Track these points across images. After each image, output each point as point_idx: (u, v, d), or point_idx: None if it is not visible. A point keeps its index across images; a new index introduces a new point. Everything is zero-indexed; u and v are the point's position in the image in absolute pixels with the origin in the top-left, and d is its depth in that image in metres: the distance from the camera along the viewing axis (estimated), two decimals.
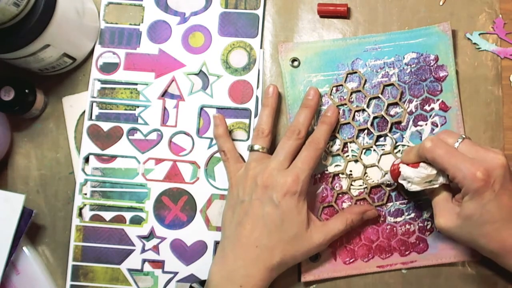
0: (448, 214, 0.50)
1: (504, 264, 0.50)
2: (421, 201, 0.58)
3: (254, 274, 0.52)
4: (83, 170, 0.60)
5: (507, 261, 0.49)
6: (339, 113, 0.58)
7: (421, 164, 0.51)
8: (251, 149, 0.57)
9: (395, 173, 0.53)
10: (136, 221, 0.60)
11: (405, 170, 0.52)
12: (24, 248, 0.58)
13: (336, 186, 0.59)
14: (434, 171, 0.50)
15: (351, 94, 0.59)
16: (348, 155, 0.59)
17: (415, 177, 0.51)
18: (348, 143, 0.59)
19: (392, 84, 0.59)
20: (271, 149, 0.57)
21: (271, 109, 0.58)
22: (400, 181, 0.53)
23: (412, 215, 0.58)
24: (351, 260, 0.58)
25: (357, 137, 0.58)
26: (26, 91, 0.58)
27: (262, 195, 0.53)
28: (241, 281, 0.52)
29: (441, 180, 0.51)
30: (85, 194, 0.60)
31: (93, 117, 0.61)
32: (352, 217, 0.55)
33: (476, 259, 0.57)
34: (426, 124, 0.58)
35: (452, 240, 0.57)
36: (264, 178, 0.53)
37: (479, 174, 0.46)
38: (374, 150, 0.58)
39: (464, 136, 0.50)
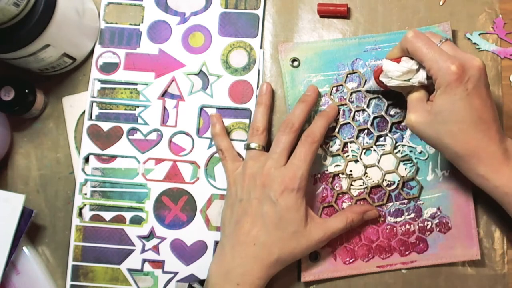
0: (419, 111, 0.50)
1: (467, 170, 0.49)
2: (421, 201, 0.58)
3: (252, 272, 0.52)
4: (83, 170, 0.60)
5: (470, 167, 0.48)
6: (338, 111, 0.58)
7: (403, 58, 0.51)
8: (247, 147, 0.57)
9: (377, 72, 0.53)
10: (136, 221, 0.60)
11: (386, 64, 0.52)
12: (24, 248, 0.58)
13: (336, 186, 0.59)
14: (415, 66, 0.50)
15: (351, 94, 0.59)
16: (348, 155, 0.59)
17: (396, 71, 0.51)
18: (348, 143, 0.59)
19: None
20: (267, 146, 0.57)
21: (265, 106, 0.58)
22: (381, 78, 0.53)
23: (412, 215, 0.58)
24: (351, 260, 0.58)
25: (357, 137, 0.58)
26: (26, 91, 0.58)
27: (260, 194, 0.53)
28: (238, 279, 0.52)
29: (419, 78, 0.51)
30: (85, 194, 0.60)
31: (93, 117, 0.61)
32: (353, 217, 0.55)
33: (476, 259, 0.57)
34: None
35: (452, 240, 0.57)
36: (262, 176, 0.53)
37: (453, 67, 0.46)
38: (374, 150, 0.58)
39: (447, 38, 0.50)
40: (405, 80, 0.51)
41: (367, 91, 0.58)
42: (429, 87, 0.51)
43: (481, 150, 0.48)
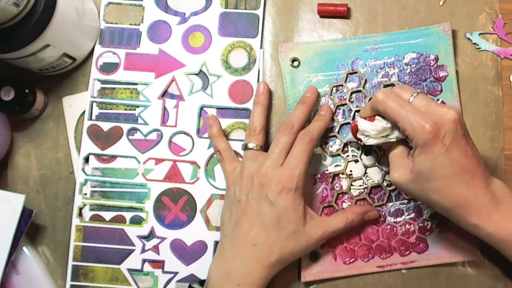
0: (402, 169, 0.50)
1: (458, 221, 0.49)
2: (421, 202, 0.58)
3: (252, 273, 0.52)
4: (83, 170, 0.60)
5: (461, 218, 0.48)
6: (333, 113, 0.58)
7: (377, 117, 0.51)
8: (245, 147, 0.57)
9: (354, 129, 0.53)
10: (136, 221, 0.60)
11: (361, 123, 0.52)
12: (24, 248, 0.58)
13: (336, 186, 0.59)
14: (389, 124, 0.50)
15: (351, 94, 0.59)
16: (348, 155, 0.59)
17: (371, 130, 0.51)
18: (349, 143, 0.59)
19: (392, 84, 0.59)
20: (265, 146, 0.57)
21: (262, 106, 0.58)
22: (358, 135, 0.53)
23: (412, 215, 0.58)
24: (351, 260, 0.58)
25: None
26: (26, 91, 0.58)
27: (258, 194, 0.53)
28: (239, 280, 0.52)
29: (396, 134, 0.51)
30: (85, 194, 0.60)
31: (93, 117, 0.61)
32: (353, 217, 0.55)
33: (476, 259, 0.57)
34: None
35: (452, 240, 0.57)
36: (260, 176, 0.53)
37: (428, 126, 0.46)
38: (374, 150, 0.58)
39: (419, 91, 0.50)
40: (382, 137, 0.51)
41: (346, 144, 0.58)
42: (408, 140, 0.51)
43: (469, 201, 0.47)
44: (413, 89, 0.50)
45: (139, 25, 0.62)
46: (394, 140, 0.51)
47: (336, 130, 0.59)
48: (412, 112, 0.47)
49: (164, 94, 0.61)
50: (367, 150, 0.58)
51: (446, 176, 0.47)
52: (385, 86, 0.59)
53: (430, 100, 0.49)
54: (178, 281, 0.59)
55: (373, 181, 0.58)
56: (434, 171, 0.47)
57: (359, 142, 0.53)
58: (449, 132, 0.46)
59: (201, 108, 0.61)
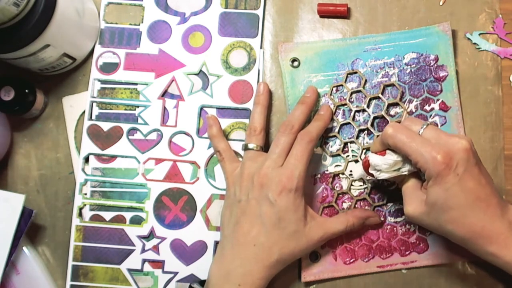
0: (415, 202, 0.50)
1: (476, 250, 0.48)
2: None
3: (253, 273, 0.52)
4: (83, 170, 0.60)
5: (478, 247, 0.48)
6: (333, 112, 0.58)
7: (388, 151, 0.51)
8: (245, 148, 0.57)
9: (366, 164, 0.53)
10: (136, 221, 0.60)
11: (373, 158, 0.52)
12: (24, 248, 0.58)
13: (336, 186, 0.59)
14: (400, 158, 0.50)
15: (351, 94, 0.59)
16: (348, 155, 0.59)
17: (383, 164, 0.51)
18: (349, 143, 0.59)
19: (392, 84, 0.59)
20: (265, 146, 0.57)
21: (262, 107, 0.58)
22: (370, 171, 0.53)
23: None
24: (351, 260, 0.58)
25: (358, 137, 0.58)
26: (26, 91, 0.58)
27: (259, 194, 0.53)
28: (239, 280, 0.52)
29: (408, 167, 0.51)
30: (85, 194, 0.60)
31: (93, 117, 0.61)
32: (354, 221, 0.55)
33: (476, 259, 0.57)
34: None
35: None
36: (260, 177, 0.53)
37: (439, 157, 0.46)
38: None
39: (428, 122, 0.50)
40: (394, 170, 0.51)
41: (359, 179, 0.58)
42: (419, 172, 0.51)
43: (486, 230, 0.47)
44: (422, 121, 0.50)
45: (139, 25, 0.62)
46: (406, 173, 0.51)
47: (336, 130, 0.59)
48: (423, 144, 0.47)
49: (164, 94, 0.61)
50: (367, 150, 0.58)
51: (461, 205, 0.46)
52: (385, 86, 0.59)
53: (440, 130, 0.49)
54: (178, 281, 0.59)
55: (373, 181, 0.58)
56: (448, 201, 0.46)
57: (371, 177, 0.53)
58: (462, 161, 0.46)
59: (201, 108, 0.61)
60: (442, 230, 0.49)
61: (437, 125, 0.58)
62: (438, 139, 0.48)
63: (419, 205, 0.49)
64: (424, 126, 0.49)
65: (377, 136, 0.57)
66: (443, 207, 0.47)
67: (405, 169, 0.51)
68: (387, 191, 0.58)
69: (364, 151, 0.58)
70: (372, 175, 0.53)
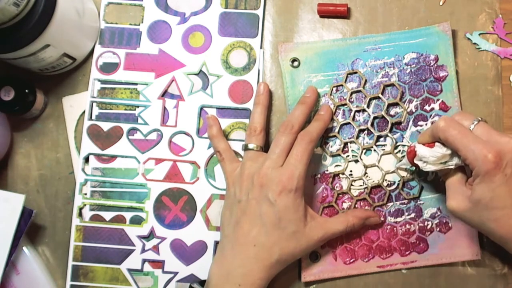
0: (459, 197, 0.50)
1: None
2: (421, 201, 0.58)
3: (253, 273, 0.52)
4: (83, 170, 0.60)
5: None
6: (333, 112, 0.58)
7: (436, 143, 0.51)
8: (245, 148, 0.57)
9: (411, 154, 0.53)
10: (136, 221, 0.60)
11: (420, 149, 0.51)
12: (24, 248, 0.58)
13: (336, 186, 0.59)
14: (449, 151, 0.50)
15: (351, 94, 0.59)
16: (348, 155, 0.59)
17: (430, 157, 0.50)
18: (349, 143, 0.59)
19: (392, 84, 0.59)
20: (265, 146, 0.57)
21: (262, 107, 0.58)
22: (416, 161, 0.52)
23: (412, 215, 0.58)
24: (351, 260, 0.58)
25: (358, 137, 0.58)
26: (26, 91, 0.58)
27: (259, 195, 0.53)
28: (239, 280, 0.52)
29: (455, 161, 0.50)
30: (85, 194, 0.60)
31: (93, 117, 0.61)
32: (354, 221, 0.55)
33: (476, 259, 0.57)
34: (426, 124, 0.58)
35: (452, 240, 0.57)
36: (260, 177, 0.53)
37: (490, 156, 0.46)
38: (375, 150, 0.58)
39: (480, 118, 0.49)
40: (441, 163, 0.51)
41: (399, 168, 0.58)
42: (466, 167, 0.51)
43: None
44: (474, 117, 0.50)
45: (139, 25, 0.62)
46: (452, 167, 0.51)
47: (336, 130, 0.59)
48: (474, 141, 0.47)
49: (164, 94, 0.61)
50: (367, 150, 0.58)
51: (506, 206, 0.46)
52: (385, 86, 0.59)
53: (491, 128, 0.49)
54: (178, 281, 0.59)
55: (373, 181, 0.58)
56: (494, 201, 0.46)
57: (416, 167, 0.53)
58: (511, 162, 0.46)
59: (201, 108, 0.61)
60: (483, 228, 0.49)
61: None
62: (489, 136, 0.48)
63: (462, 201, 0.49)
64: (476, 122, 0.49)
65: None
66: (487, 205, 0.47)
67: (452, 163, 0.50)
68: (387, 191, 0.58)
69: (364, 151, 0.58)
70: (417, 166, 0.52)
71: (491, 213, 0.47)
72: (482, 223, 0.48)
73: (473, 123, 0.49)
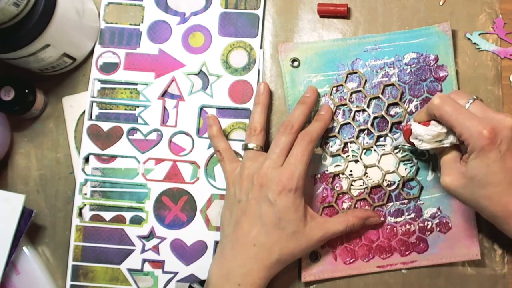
0: (454, 173, 0.50)
1: (504, 229, 0.49)
2: (421, 201, 0.58)
3: (253, 273, 0.52)
4: (83, 170, 0.60)
5: (508, 226, 0.48)
6: (333, 112, 0.58)
7: (432, 121, 0.51)
8: (245, 148, 0.57)
9: (407, 132, 0.53)
10: (136, 221, 0.60)
11: (416, 127, 0.51)
12: (24, 248, 0.58)
13: (336, 186, 0.59)
14: (445, 129, 0.50)
15: (351, 94, 0.59)
16: (348, 155, 0.59)
17: (426, 135, 0.51)
18: (349, 143, 0.59)
19: (392, 84, 0.59)
20: (265, 146, 0.57)
21: (262, 106, 0.58)
22: (411, 139, 0.52)
23: (412, 215, 0.58)
24: (351, 260, 0.58)
25: (358, 137, 0.58)
26: (26, 91, 0.58)
27: (258, 194, 0.53)
28: (239, 280, 0.52)
29: (451, 139, 0.50)
30: (85, 194, 0.60)
31: (93, 117, 0.61)
32: (354, 221, 0.55)
33: (476, 259, 0.57)
34: None
35: (452, 240, 0.57)
36: (260, 177, 0.53)
37: (485, 132, 0.46)
38: (375, 150, 0.58)
39: (475, 97, 0.49)
40: (436, 142, 0.51)
41: (396, 147, 0.58)
42: (461, 145, 0.51)
43: None
44: (469, 95, 0.50)
45: (139, 25, 0.62)
46: (448, 145, 0.51)
47: (336, 130, 0.59)
48: (470, 117, 0.47)
49: (164, 94, 0.61)
50: (367, 150, 0.58)
51: (499, 183, 0.46)
52: (385, 86, 0.59)
53: (487, 106, 0.49)
54: (178, 281, 0.59)
55: (373, 181, 0.58)
56: (487, 177, 0.46)
57: (411, 146, 0.53)
58: (506, 138, 0.46)
59: (201, 108, 0.61)
60: (475, 204, 0.49)
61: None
62: (484, 114, 0.48)
63: (457, 177, 0.49)
64: (471, 100, 0.49)
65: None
66: (481, 182, 0.47)
67: (448, 142, 0.51)
68: (387, 191, 0.58)
69: (364, 151, 0.58)
70: (412, 144, 0.53)
71: (484, 190, 0.47)
72: (475, 200, 0.48)
73: (468, 102, 0.49)
